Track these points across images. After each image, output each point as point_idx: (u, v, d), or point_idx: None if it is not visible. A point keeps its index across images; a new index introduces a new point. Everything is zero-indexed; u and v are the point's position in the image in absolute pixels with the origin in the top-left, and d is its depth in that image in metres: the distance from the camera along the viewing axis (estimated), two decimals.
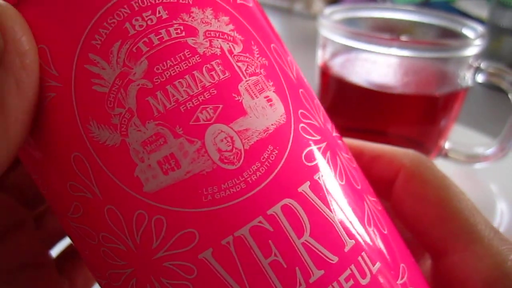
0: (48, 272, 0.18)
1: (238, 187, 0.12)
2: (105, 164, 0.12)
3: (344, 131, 0.40)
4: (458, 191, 0.16)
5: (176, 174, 0.12)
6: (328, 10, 0.40)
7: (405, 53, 0.36)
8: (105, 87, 0.12)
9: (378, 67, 0.39)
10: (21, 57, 0.11)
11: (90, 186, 0.13)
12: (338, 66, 0.39)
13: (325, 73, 0.39)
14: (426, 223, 0.16)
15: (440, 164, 0.40)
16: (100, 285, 0.15)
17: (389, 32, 0.40)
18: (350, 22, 0.41)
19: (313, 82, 0.40)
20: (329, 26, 0.37)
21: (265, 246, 0.12)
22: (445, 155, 0.40)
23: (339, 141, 0.16)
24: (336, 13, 0.40)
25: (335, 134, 0.16)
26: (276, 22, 0.81)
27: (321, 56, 0.39)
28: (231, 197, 0.12)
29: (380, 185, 0.18)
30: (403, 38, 0.39)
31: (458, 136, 0.42)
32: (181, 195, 0.12)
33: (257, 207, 0.12)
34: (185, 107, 0.12)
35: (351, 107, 0.38)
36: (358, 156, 0.19)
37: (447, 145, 0.40)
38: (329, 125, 0.16)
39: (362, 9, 0.41)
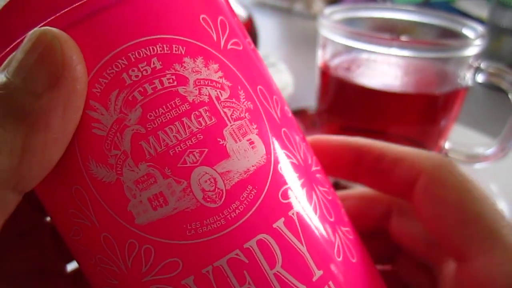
0: (61, 283, 0.19)
1: (218, 223, 0.14)
2: (102, 197, 0.14)
3: (344, 130, 0.41)
4: (481, 195, 0.16)
5: (164, 210, 0.14)
6: (328, 10, 0.41)
7: (405, 53, 0.37)
8: (103, 131, 0.14)
9: (378, 67, 0.40)
10: (73, 83, 0.13)
11: (89, 216, 0.15)
12: (338, 66, 0.40)
13: (325, 73, 0.40)
14: (447, 227, 0.16)
15: None
16: None
17: (389, 32, 0.41)
18: (350, 22, 0.42)
19: (313, 82, 0.42)
20: (329, 26, 0.38)
21: (240, 275, 0.14)
22: (445, 155, 0.41)
23: (318, 175, 0.17)
24: (336, 13, 0.41)
25: (314, 168, 0.17)
26: (276, 22, 0.81)
27: (321, 56, 0.41)
28: (212, 232, 0.14)
29: (402, 188, 0.18)
30: (403, 38, 0.40)
31: (458, 136, 0.44)
32: (168, 228, 0.14)
33: (235, 241, 0.14)
34: (174, 151, 0.14)
35: (351, 107, 0.40)
36: (379, 158, 0.19)
37: (447, 145, 0.41)
38: (310, 160, 0.17)
39: (362, 9, 0.42)
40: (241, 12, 0.51)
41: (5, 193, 0.13)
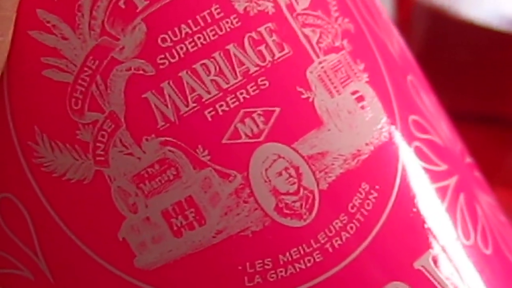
0: None
1: (309, 261, 0.15)
2: (62, 215, 0.15)
3: (452, 118, 0.42)
4: None
5: (197, 236, 0.15)
6: None
7: None
8: (67, 73, 0.15)
9: None
10: None
11: (31, 257, 0.15)
12: None
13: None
14: None
15: None
16: None
17: None
18: None
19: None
20: None
21: None
22: None
23: (476, 173, 0.18)
24: None
25: (468, 160, 0.18)
26: None
27: None
28: (297, 278, 0.15)
29: None
30: None
31: None
32: (205, 273, 0.15)
33: None
34: (213, 112, 0.15)
35: (464, 71, 0.41)
36: None
37: None
38: (458, 144, 0.18)
39: None
40: None
41: None
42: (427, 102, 0.17)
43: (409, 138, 0.16)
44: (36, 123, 0.15)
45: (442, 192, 0.16)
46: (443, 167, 0.16)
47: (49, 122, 0.15)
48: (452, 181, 0.16)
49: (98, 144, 0.15)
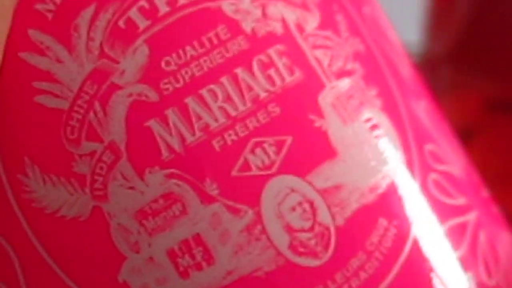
0: None
1: None
2: (55, 256, 0.14)
3: (499, 107, 0.41)
4: None
5: (205, 277, 0.14)
6: None
7: None
8: (62, 99, 0.14)
9: None
10: None
11: None
12: None
13: None
14: None
15: None
16: None
17: None
18: None
19: None
20: None
21: None
22: None
23: (494, 210, 0.18)
24: None
25: (485, 193, 0.18)
26: None
27: None
28: None
29: None
30: None
31: None
32: None
33: None
34: (221, 142, 0.15)
35: None
36: None
37: None
38: (475, 175, 0.18)
39: None
40: None
41: None
42: (442, 129, 0.17)
43: (426, 169, 0.16)
44: (27, 154, 0.14)
45: (460, 229, 0.16)
46: (459, 200, 0.16)
47: (41, 152, 0.14)
48: (471, 217, 0.16)
49: (96, 177, 0.15)
